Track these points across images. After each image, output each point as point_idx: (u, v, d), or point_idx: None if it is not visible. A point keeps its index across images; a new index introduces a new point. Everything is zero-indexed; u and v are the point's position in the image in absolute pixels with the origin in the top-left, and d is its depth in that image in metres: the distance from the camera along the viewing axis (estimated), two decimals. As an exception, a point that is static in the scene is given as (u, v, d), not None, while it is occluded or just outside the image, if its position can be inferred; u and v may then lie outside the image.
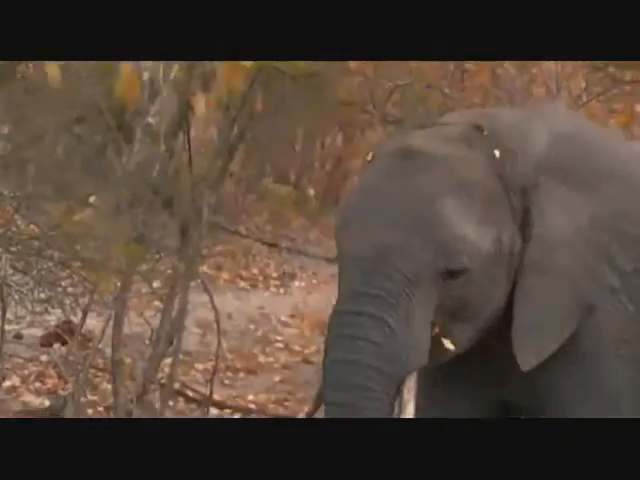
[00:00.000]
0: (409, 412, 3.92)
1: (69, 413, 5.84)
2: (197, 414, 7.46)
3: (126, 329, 5.90)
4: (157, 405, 5.97)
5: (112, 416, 6.14)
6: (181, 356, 6.48)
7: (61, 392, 7.01)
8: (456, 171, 3.98)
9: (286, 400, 8.07)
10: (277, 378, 8.33)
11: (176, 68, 5.82)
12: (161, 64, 5.98)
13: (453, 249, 3.80)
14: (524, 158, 4.08)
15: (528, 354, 4.10)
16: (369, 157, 5.14)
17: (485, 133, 4.12)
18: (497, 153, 4.00)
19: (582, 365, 4.19)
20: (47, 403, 6.93)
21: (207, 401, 7.19)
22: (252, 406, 7.86)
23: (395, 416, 3.85)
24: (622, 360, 4.15)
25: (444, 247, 3.80)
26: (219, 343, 6.69)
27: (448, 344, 3.84)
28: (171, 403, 6.66)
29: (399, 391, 3.80)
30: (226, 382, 7.95)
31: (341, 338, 3.69)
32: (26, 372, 7.74)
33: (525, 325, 4.07)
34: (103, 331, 5.88)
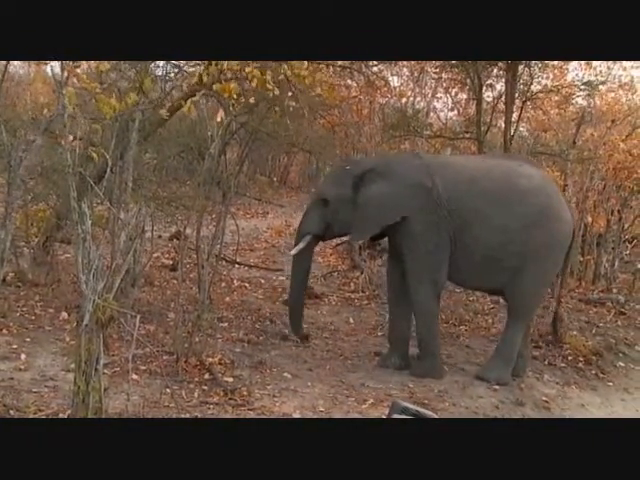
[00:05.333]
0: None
1: (179, 269, 6.10)
2: (229, 267, 8.22)
3: (202, 233, 6.31)
4: (214, 263, 6.28)
5: (196, 271, 6.30)
6: (223, 244, 6.65)
7: (176, 258, 7.67)
8: (334, 173, 6.10)
9: (267, 261, 9.08)
10: (262, 252, 9.33)
11: (220, 131, 6.09)
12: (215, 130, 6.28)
13: (323, 192, 5.81)
14: (360, 168, 5.78)
15: (355, 237, 6.15)
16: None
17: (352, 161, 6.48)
18: (348, 167, 5.94)
19: (409, 239, 5.59)
20: (170, 262, 8.01)
21: (233, 262, 8.30)
22: (252, 262, 8.82)
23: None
24: (424, 240, 5.52)
25: (321, 193, 5.82)
26: (238, 238, 7.75)
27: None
28: (219, 262, 6.83)
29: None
30: (241, 254, 8.71)
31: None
32: (164, 250, 8.57)
33: (355, 227, 5.73)
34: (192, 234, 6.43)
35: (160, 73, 6.73)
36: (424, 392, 5.34)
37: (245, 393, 4.88)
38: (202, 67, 5.32)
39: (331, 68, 7.58)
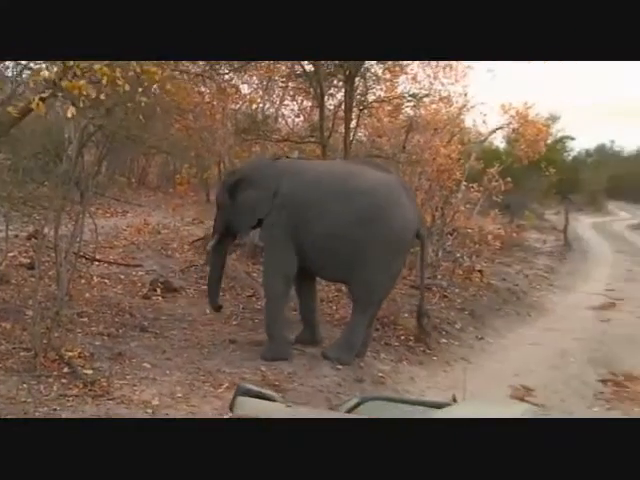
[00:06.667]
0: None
1: (36, 267, 5.88)
2: (89, 265, 8.03)
3: (60, 232, 6.03)
4: (73, 261, 6.26)
5: (55, 269, 6.17)
6: (82, 242, 6.75)
7: (34, 257, 7.23)
8: (220, 184, 6.85)
9: (130, 258, 9.05)
10: (121, 250, 9.28)
11: (78, 134, 6.10)
12: (72, 132, 6.14)
13: (218, 200, 6.52)
14: (234, 178, 6.47)
15: (240, 236, 6.79)
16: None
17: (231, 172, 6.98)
18: (226, 179, 6.69)
19: (263, 236, 6.32)
20: (28, 261, 7.73)
21: (93, 259, 8.14)
22: (112, 259, 8.76)
23: None
24: (274, 239, 6.18)
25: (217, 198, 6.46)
26: (97, 236, 7.42)
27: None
28: (78, 260, 6.77)
29: None
30: (100, 252, 8.58)
31: None
32: (21, 249, 8.35)
33: (238, 227, 6.45)
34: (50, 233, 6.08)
35: (10, 74, 6.54)
36: (275, 374, 5.59)
37: (105, 384, 4.85)
38: (52, 66, 5.00)
39: (185, 75, 7.79)
